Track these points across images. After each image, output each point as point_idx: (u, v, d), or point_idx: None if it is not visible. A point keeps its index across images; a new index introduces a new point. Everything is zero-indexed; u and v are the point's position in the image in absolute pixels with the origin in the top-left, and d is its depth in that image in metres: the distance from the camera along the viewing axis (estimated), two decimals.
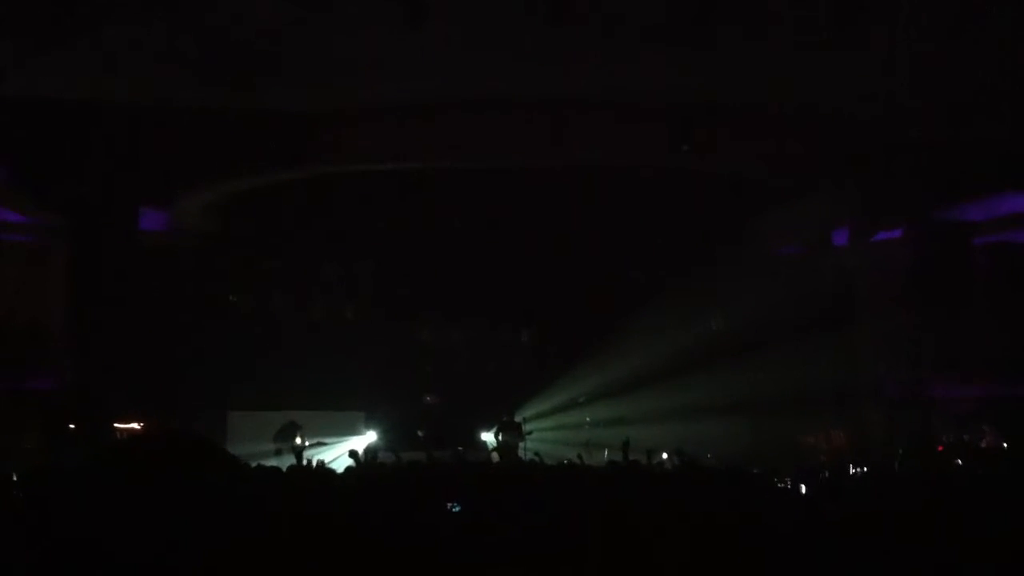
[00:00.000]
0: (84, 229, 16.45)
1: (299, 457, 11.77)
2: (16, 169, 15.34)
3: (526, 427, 16.48)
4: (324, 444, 16.45)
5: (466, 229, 17.88)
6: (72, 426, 15.70)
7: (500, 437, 16.50)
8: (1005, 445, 13.92)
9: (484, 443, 17.18)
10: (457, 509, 7.50)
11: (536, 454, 12.44)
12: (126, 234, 16.74)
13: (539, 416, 16.54)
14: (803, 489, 8.68)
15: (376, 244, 18.56)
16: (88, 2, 11.69)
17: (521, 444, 16.08)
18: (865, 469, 11.53)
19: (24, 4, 11.65)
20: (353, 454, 11.84)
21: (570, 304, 18.37)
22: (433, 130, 15.56)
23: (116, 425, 16.10)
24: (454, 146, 15.84)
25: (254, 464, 9.66)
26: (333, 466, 11.80)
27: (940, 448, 14.28)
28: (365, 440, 17.27)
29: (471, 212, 17.53)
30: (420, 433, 17.41)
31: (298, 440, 16.76)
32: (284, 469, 9.36)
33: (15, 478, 9.42)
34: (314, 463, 12.43)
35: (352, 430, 17.48)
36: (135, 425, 16.02)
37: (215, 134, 15.31)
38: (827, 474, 9.28)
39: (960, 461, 12.64)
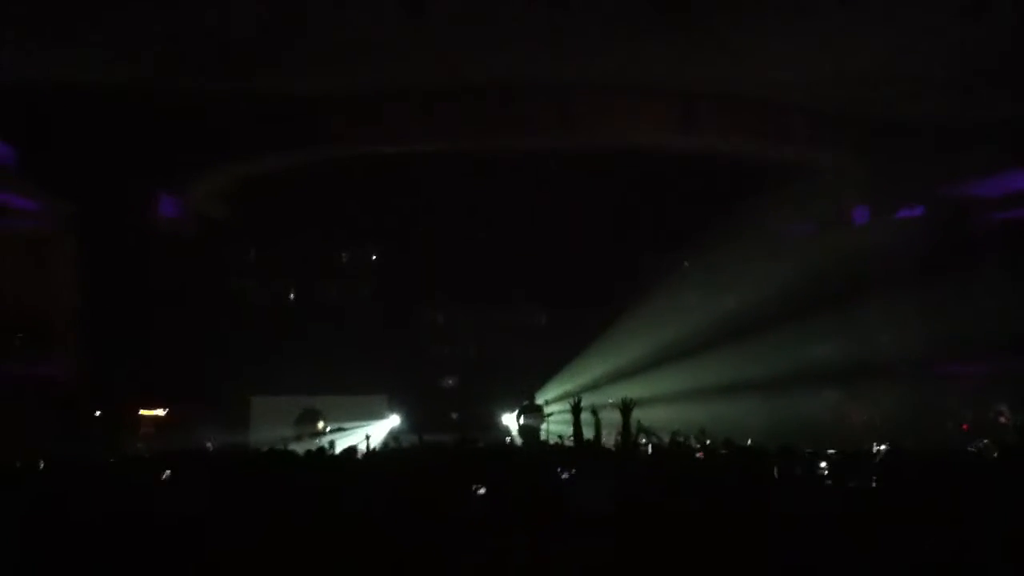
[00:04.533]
0: (96, 215, 16.46)
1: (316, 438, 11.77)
2: (26, 155, 15.40)
3: (547, 409, 16.50)
4: (344, 429, 16.50)
5: (483, 213, 17.87)
6: (97, 413, 15.77)
7: (522, 420, 16.55)
8: None
9: (506, 426, 17.24)
10: (483, 492, 7.55)
11: (560, 437, 12.45)
12: (140, 220, 16.80)
13: (560, 398, 16.55)
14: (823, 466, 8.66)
15: (394, 228, 18.57)
16: None
17: (543, 426, 16.10)
18: (884, 448, 11.49)
19: None
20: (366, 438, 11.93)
21: (589, 286, 18.34)
22: (441, 115, 15.58)
23: (141, 412, 16.21)
24: (461, 130, 15.85)
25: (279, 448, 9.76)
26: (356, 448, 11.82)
27: (965, 427, 14.27)
28: (388, 424, 17.33)
29: (487, 196, 17.52)
30: (455, 416, 17.47)
31: (319, 426, 16.84)
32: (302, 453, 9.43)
33: (42, 465, 9.54)
34: (335, 448, 12.46)
35: (375, 414, 17.53)
36: (160, 412, 16.14)
37: (223, 120, 15.35)
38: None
39: (987, 440, 12.63)
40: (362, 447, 12.97)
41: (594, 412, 10.41)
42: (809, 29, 12.63)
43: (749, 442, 11.93)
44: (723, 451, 9.82)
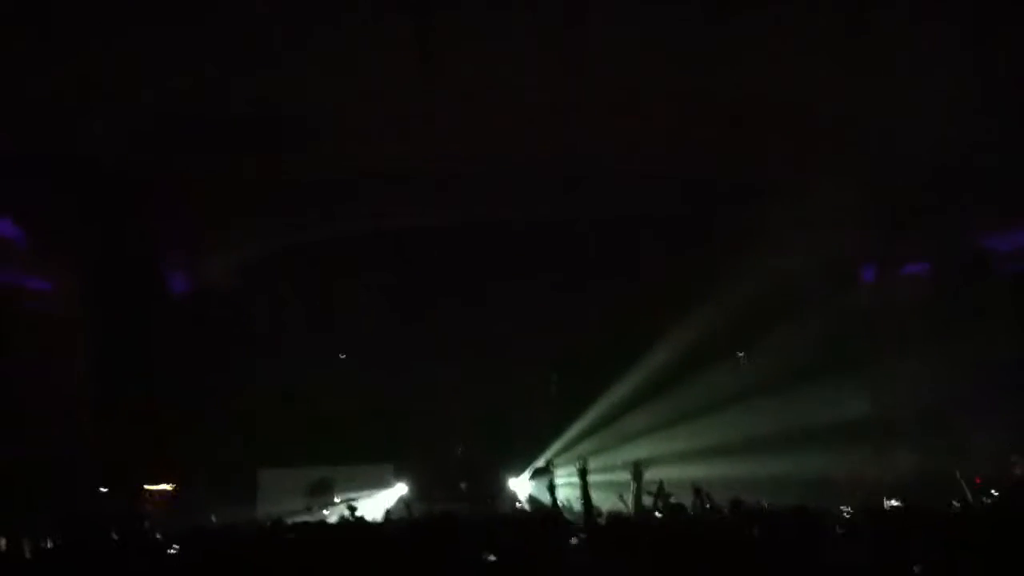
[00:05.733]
0: (107, 291, 16.51)
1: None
2: (34, 233, 15.50)
3: (558, 473, 16.34)
4: (354, 500, 16.38)
5: (490, 276, 17.90)
6: (104, 490, 15.64)
7: (532, 485, 16.41)
8: None
9: (514, 492, 17.08)
10: (493, 559, 7.47)
11: (568, 501, 12.29)
12: (150, 296, 16.86)
13: (571, 462, 16.44)
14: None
15: (399, 296, 18.56)
16: (113, 67, 11.91)
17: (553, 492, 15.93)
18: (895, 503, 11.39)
19: (47, 72, 11.88)
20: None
21: (596, 347, 18.29)
22: (450, 190, 15.74)
23: (146, 488, 16.08)
24: (471, 204, 16.04)
25: (288, 521, 9.69)
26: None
27: (978, 481, 14.11)
28: (395, 493, 17.19)
29: (495, 258, 17.58)
30: (463, 484, 17.31)
31: (331, 497, 16.72)
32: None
33: (50, 545, 9.48)
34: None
35: (382, 483, 17.41)
36: (166, 487, 16.01)
37: (238, 199, 15.47)
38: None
39: (995, 492, 12.50)
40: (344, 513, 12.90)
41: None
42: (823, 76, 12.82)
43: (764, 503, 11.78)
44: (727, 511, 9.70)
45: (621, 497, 10.69)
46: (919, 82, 12.51)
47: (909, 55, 12.18)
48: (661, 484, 9.84)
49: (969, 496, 13.04)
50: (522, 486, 17.08)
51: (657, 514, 9.79)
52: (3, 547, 9.71)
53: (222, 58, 11.97)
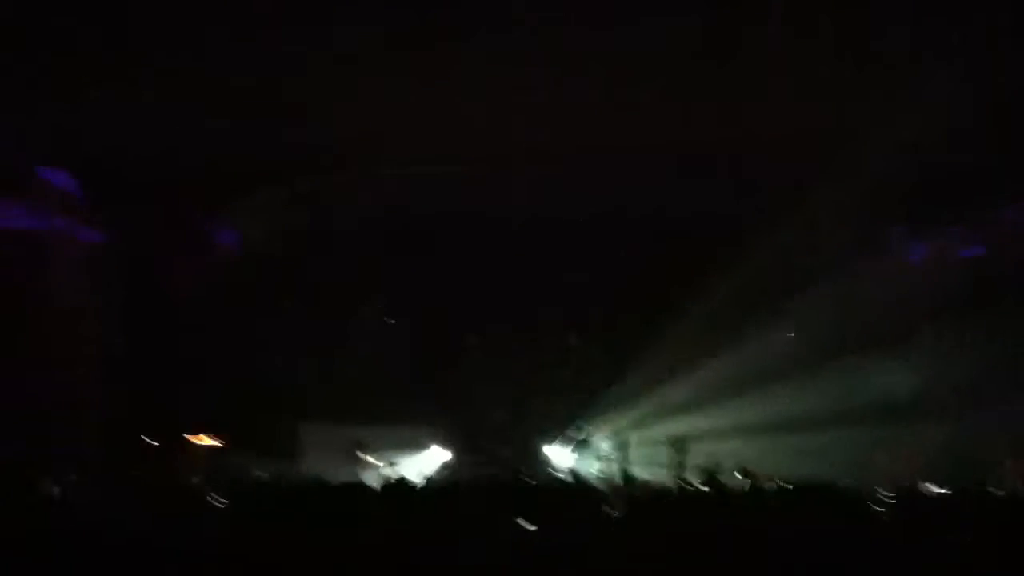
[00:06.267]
0: (148, 244, 16.77)
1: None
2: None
3: (600, 445, 16.41)
4: (394, 460, 16.57)
5: (529, 233, 17.90)
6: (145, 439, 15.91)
7: (575, 456, 16.51)
8: None
9: (555, 461, 17.17)
10: (533, 528, 7.55)
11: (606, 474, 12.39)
12: (192, 249, 17.09)
13: (614, 434, 16.47)
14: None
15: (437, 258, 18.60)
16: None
17: (594, 463, 16.04)
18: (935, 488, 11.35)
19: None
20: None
21: (637, 318, 18.26)
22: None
23: (187, 438, 16.33)
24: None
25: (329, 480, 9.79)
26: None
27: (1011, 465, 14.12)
28: (431, 455, 17.34)
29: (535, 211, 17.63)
30: (505, 451, 17.44)
31: (367, 457, 16.91)
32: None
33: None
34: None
35: (418, 445, 17.56)
36: (208, 440, 16.25)
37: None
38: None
39: None
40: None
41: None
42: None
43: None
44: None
45: (657, 477, 10.79)
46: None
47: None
48: (717, 465, 9.86)
49: (1008, 481, 13.03)
50: (560, 455, 17.17)
51: (704, 488, 9.83)
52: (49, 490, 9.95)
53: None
